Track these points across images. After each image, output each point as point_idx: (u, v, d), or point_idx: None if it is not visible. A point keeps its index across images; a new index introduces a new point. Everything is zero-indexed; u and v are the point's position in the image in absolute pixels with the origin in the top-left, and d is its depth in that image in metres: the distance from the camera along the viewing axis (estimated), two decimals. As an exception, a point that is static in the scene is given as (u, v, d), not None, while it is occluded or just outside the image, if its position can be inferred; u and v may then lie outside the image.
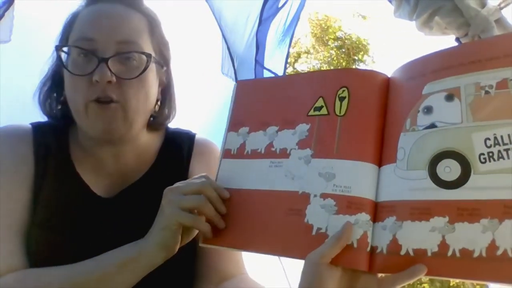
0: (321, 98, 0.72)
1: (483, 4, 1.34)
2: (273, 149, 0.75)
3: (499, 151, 0.54)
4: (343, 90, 0.70)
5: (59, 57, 0.83)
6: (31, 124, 0.90)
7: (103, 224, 0.86)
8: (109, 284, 0.73)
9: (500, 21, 1.34)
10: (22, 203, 0.82)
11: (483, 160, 0.55)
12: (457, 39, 1.42)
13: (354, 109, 0.69)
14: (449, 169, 0.58)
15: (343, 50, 11.67)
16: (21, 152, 0.85)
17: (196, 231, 0.77)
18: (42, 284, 0.74)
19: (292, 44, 2.91)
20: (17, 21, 1.89)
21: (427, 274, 0.57)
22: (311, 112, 0.73)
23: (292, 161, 0.72)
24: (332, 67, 10.95)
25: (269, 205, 0.72)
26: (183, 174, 0.94)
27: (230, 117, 0.82)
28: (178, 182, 0.75)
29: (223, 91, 2.58)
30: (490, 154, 0.55)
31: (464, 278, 0.57)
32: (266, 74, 2.64)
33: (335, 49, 11.77)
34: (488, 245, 0.53)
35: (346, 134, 0.68)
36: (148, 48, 0.86)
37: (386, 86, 0.69)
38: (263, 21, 2.48)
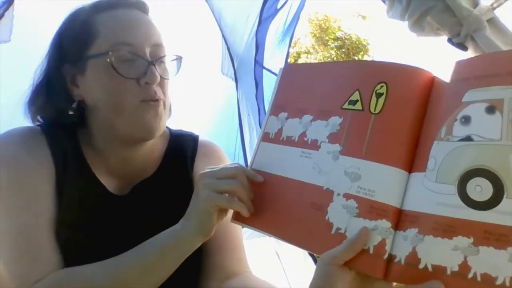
0: (357, 92, 0.69)
1: (475, 4, 1.30)
2: (305, 138, 0.73)
3: (538, 177, 0.50)
4: (382, 86, 0.66)
5: (110, 63, 0.83)
6: (39, 126, 0.92)
7: (121, 220, 0.90)
8: (152, 274, 0.77)
9: (492, 21, 1.31)
10: (51, 202, 0.84)
11: (518, 185, 0.51)
12: (450, 40, 1.40)
13: (390, 108, 0.65)
14: (480, 189, 0.54)
15: (343, 50, 11.64)
16: (40, 153, 0.86)
17: (227, 214, 0.79)
18: (85, 282, 0.77)
19: (292, 44, 2.88)
20: (17, 21, 1.87)
21: None
22: (346, 105, 0.69)
23: (321, 154, 0.70)
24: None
25: (295, 195, 0.71)
26: (188, 175, 0.97)
27: (272, 100, 0.82)
28: (211, 167, 0.78)
29: (223, 91, 2.57)
30: (527, 179, 0.50)
31: None
32: (266, 74, 2.64)
33: (335, 49, 11.72)
34: None
35: (378, 134, 0.65)
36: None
37: (429, 85, 0.64)
38: (263, 21, 2.45)
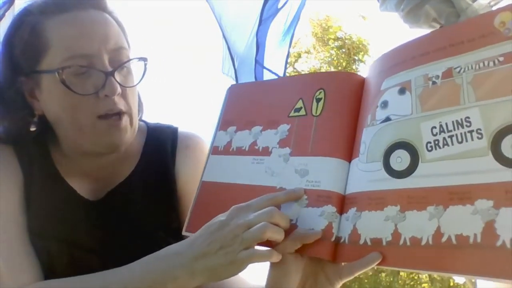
0: (300, 100, 0.76)
1: (474, -1, 1.36)
2: (256, 147, 0.79)
3: (444, 138, 0.55)
4: (320, 92, 0.74)
5: (62, 81, 0.76)
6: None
7: (94, 226, 0.85)
8: None
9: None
10: (21, 212, 0.81)
11: (429, 148, 0.57)
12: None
13: (328, 109, 0.72)
14: (400, 159, 0.59)
15: (344, 50, 11.58)
16: (7, 161, 0.83)
17: None
18: None
19: (293, 44, 2.91)
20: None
21: (382, 264, 0.58)
22: (292, 113, 0.77)
23: (273, 159, 0.76)
24: (332, 67, 11.00)
25: (248, 198, 0.73)
26: (169, 171, 0.92)
27: (220, 117, 0.88)
28: (241, 216, 0.66)
29: (223, 91, 2.60)
30: (436, 142, 0.56)
31: (414, 268, 0.57)
32: (266, 73, 2.66)
33: (335, 49, 11.67)
34: (434, 233, 0.53)
35: (320, 132, 0.72)
36: (129, 50, 0.84)
37: (361, 86, 0.72)
38: (263, 21, 2.49)
